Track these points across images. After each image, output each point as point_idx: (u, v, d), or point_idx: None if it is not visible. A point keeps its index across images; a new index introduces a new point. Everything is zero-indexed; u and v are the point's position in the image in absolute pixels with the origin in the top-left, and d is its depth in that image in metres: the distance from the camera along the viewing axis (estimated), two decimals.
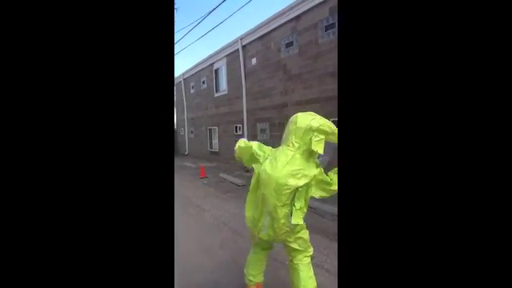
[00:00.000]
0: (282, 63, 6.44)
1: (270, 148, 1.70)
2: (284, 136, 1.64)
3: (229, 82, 8.84)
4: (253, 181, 1.65)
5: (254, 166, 1.68)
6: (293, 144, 1.52)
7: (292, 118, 1.61)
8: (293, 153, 1.50)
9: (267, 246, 1.82)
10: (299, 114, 1.59)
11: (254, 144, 1.71)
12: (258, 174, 1.60)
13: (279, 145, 1.66)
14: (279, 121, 6.59)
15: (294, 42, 6.05)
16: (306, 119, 1.52)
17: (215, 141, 10.01)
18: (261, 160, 1.63)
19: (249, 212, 1.70)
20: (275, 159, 1.51)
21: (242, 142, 1.78)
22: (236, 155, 1.84)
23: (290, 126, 1.59)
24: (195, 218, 3.79)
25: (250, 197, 1.70)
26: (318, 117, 1.55)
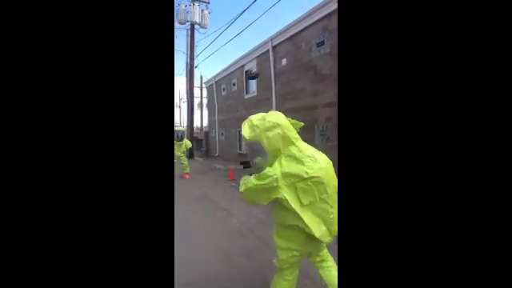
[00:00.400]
0: (313, 63, 6.23)
1: (274, 165, 1.49)
2: (286, 135, 1.55)
3: (259, 83, 8.79)
4: (292, 203, 1.42)
5: (278, 195, 1.45)
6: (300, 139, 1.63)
7: (273, 121, 1.54)
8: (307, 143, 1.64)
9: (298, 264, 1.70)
10: (277, 116, 1.61)
11: (254, 181, 1.50)
12: (308, 184, 1.41)
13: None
14: (308, 123, 6.38)
15: (326, 41, 5.82)
16: (282, 116, 1.64)
17: (244, 143, 10.02)
18: (279, 183, 1.42)
19: (320, 227, 1.45)
20: (312, 156, 1.48)
21: (243, 187, 1.58)
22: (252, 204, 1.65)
23: (285, 125, 1.58)
24: (221, 223, 3.76)
25: (309, 215, 1.44)
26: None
